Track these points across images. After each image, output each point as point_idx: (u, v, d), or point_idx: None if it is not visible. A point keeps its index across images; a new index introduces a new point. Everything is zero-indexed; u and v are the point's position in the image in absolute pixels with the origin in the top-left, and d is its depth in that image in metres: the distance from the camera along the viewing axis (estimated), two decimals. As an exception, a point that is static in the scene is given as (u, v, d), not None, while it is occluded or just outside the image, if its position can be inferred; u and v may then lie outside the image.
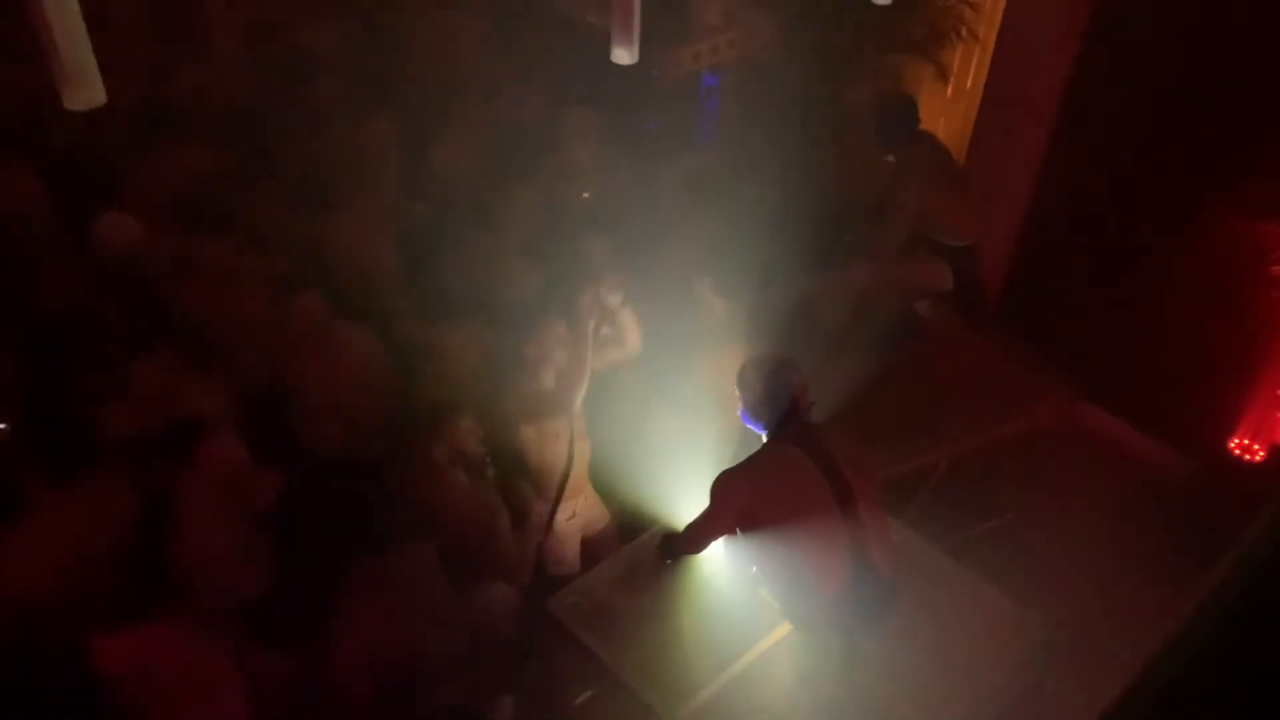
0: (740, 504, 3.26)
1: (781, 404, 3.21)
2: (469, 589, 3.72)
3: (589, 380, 3.97)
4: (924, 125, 4.98)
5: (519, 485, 3.99)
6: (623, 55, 2.69)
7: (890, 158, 4.72)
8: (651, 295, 4.19)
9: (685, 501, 3.74)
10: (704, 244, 4.47)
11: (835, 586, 3.23)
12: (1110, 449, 5.50)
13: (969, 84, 6.17)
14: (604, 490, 4.24)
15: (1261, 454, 4.79)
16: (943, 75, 5.89)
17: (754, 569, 3.48)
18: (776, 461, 3.23)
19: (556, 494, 3.97)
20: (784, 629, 3.64)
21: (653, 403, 4.27)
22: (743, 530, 3.31)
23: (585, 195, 4.88)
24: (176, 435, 3.31)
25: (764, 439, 3.32)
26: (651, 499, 3.96)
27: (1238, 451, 4.85)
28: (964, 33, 5.70)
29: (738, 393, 3.30)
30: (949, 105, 6.11)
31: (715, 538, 3.45)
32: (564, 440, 3.90)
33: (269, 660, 3.19)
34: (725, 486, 3.26)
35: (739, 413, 3.33)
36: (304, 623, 3.24)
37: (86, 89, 1.68)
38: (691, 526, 3.45)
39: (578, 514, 4.10)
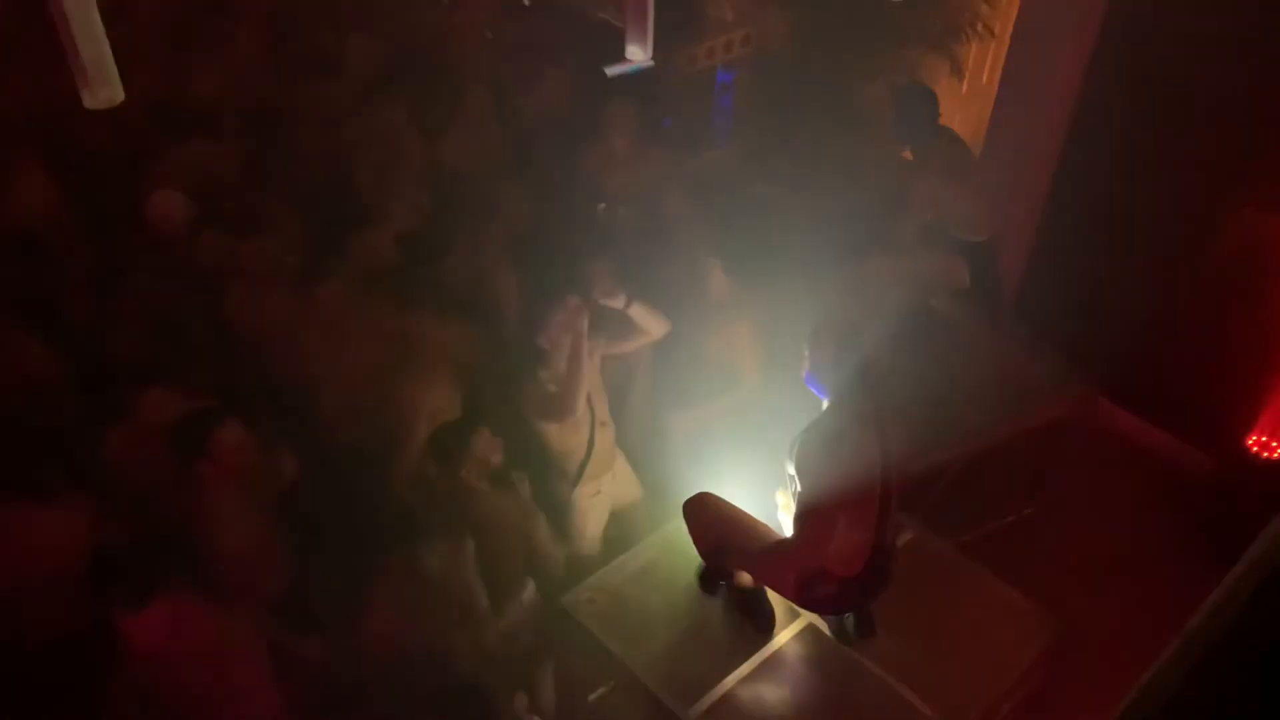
0: (826, 474, 3.11)
1: (849, 370, 3.12)
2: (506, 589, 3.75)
3: (607, 367, 4.01)
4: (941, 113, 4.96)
5: (554, 485, 4.04)
6: (637, 52, 2.69)
7: (907, 152, 4.69)
8: (663, 284, 4.19)
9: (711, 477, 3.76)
10: (716, 237, 4.47)
11: (849, 570, 3.23)
12: (1127, 445, 5.47)
13: (984, 79, 6.15)
14: (637, 464, 4.29)
15: (1280, 451, 4.76)
16: (958, 71, 5.87)
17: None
18: (860, 459, 3.11)
19: (576, 475, 4.02)
20: (799, 626, 3.64)
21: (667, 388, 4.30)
22: None
23: (602, 206, 4.91)
24: (190, 427, 3.35)
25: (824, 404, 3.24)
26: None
27: (1256, 449, 4.81)
28: (979, 28, 5.68)
29: (806, 352, 3.20)
30: (965, 101, 6.09)
31: (826, 523, 3.18)
32: (584, 429, 3.95)
33: (294, 639, 3.23)
34: (810, 455, 3.12)
35: (803, 374, 3.23)
36: (332, 607, 3.28)
37: (106, 88, 1.70)
38: (801, 517, 3.21)
39: (603, 490, 4.13)
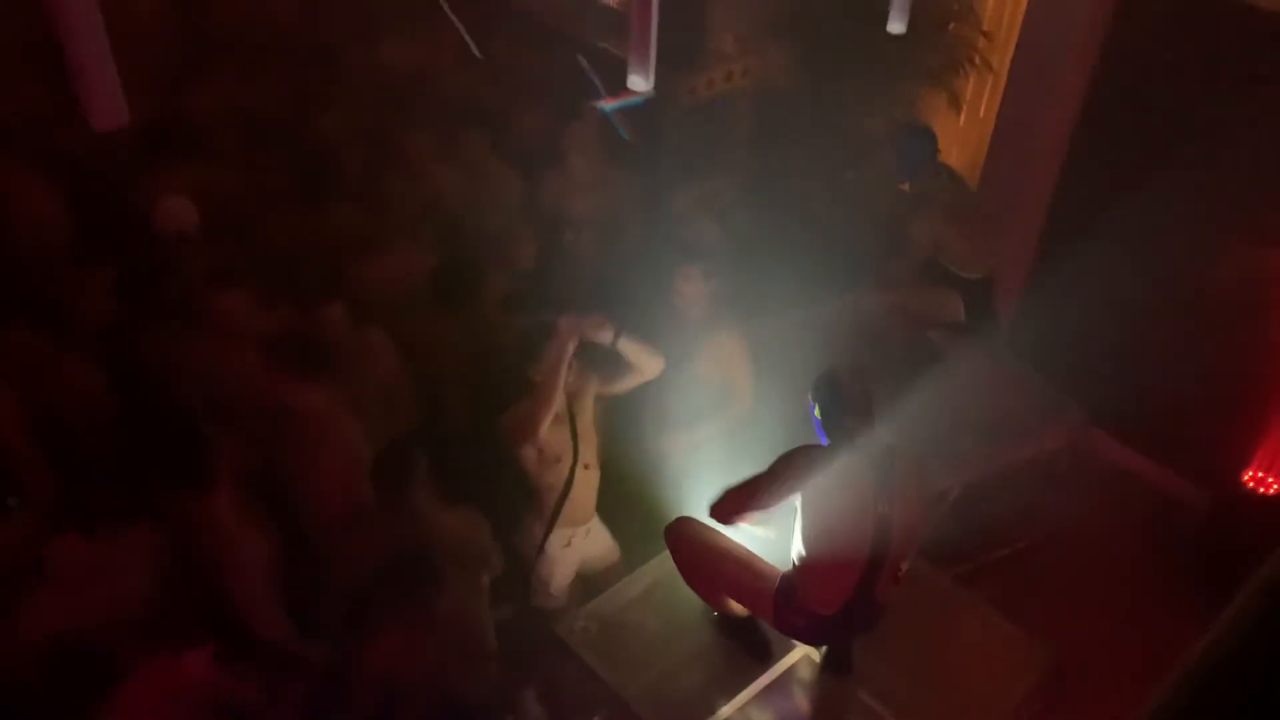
0: (796, 480, 3.14)
1: (846, 413, 3.15)
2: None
3: (601, 404, 3.99)
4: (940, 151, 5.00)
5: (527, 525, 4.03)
6: (639, 82, 2.72)
7: (906, 187, 4.74)
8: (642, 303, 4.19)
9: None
10: (715, 266, 4.47)
11: (830, 607, 3.23)
12: (1123, 478, 5.48)
13: (982, 112, 6.20)
14: (614, 525, 4.23)
15: (1277, 487, 4.76)
16: (956, 104, 5.92)
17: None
18: (845, 472, 3.11)
19: (551, 517, 3.94)
20: (793, 657, 3.63)
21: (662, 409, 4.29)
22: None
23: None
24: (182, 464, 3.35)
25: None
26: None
27: (1251, 484, 4.82)
28: (978, 61, 5.73)
29: (810, 396, 3.23)
30: (962, 133, 6.13)
31: (761, 500, 3.20)
32: (565, 465, 3.88)
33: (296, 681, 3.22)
34: (795, 459, 3.15)
35: (811, 414, 3.24)
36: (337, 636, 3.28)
37: (112, 110, 1.72)
38: (742, 485, 3.25)
39: (574, 544, 4.07)
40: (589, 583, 4.20)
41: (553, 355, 3.71)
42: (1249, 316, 4.67)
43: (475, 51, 5.63)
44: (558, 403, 3.74)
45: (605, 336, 3.84)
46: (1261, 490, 4.80)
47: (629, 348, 3.90)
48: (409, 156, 4.94)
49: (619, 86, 3.07)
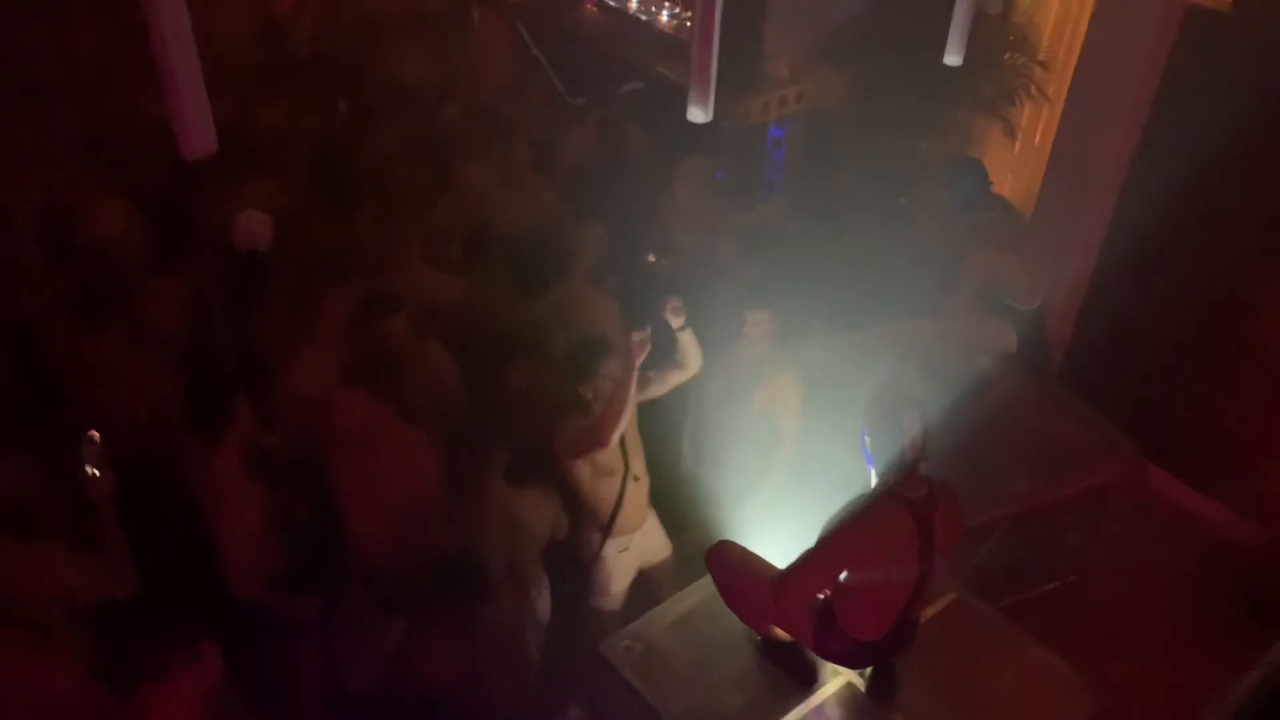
0: (845, 566, 3.22)
1: (894, 445, 3.15)
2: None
3: (639, 410, 4.03)
4: (993, 184, 4.99)
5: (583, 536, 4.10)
6: (698, 114, 2.77)
7: (961, 217, 4.73)
8: (709, 328, 4.22)
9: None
10: (764, 287, 4.49)
11: (872, 635, 3.30)
12: (1174, 512, 5.40)
13: (1037, 140, 6.18)
14: (669, 522, 4.28)
15: (1332, 527, 4.68)
16: (1010, 132, 5.91)
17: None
18: (886, 533, 3.18)
19: (607, 525, 4.01)
20: (836, 683, 3.63)
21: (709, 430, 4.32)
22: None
23: (651, 259, 4.99)
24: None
25: (873, 475, 3.27)
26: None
27: (1307, 522, 4.75)
28: (1034, 91, 5.72)
29: (862, 423, 3.25)
30: (1016, 161, 6.12)
31: (821, 581, 3.30)
32: (618, 477, 3.94)
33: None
34: (839, 547, 3.21)
35: (861, 442, 3.28)
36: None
37: (203, 141, 1.81)
38: (794, 571, 3.31)
39: (632, 548, 4.13)
40: (646, 579, 4.26)
41: (625, 367, 3.74)
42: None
43: (565, 97, 5.80)
44: (629, 415, 3.79)
45: (678, 321, 3.92)
46: (1317, 530, 4.72)
47: (688, 339, 3.99)
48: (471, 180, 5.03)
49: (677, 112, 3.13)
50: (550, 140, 5.55)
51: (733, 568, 3.59)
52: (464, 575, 3.40)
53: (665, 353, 4.02)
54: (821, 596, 3.31)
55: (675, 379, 4.10)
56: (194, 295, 4.22)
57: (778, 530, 3.80)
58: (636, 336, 3.72)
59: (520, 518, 3.85)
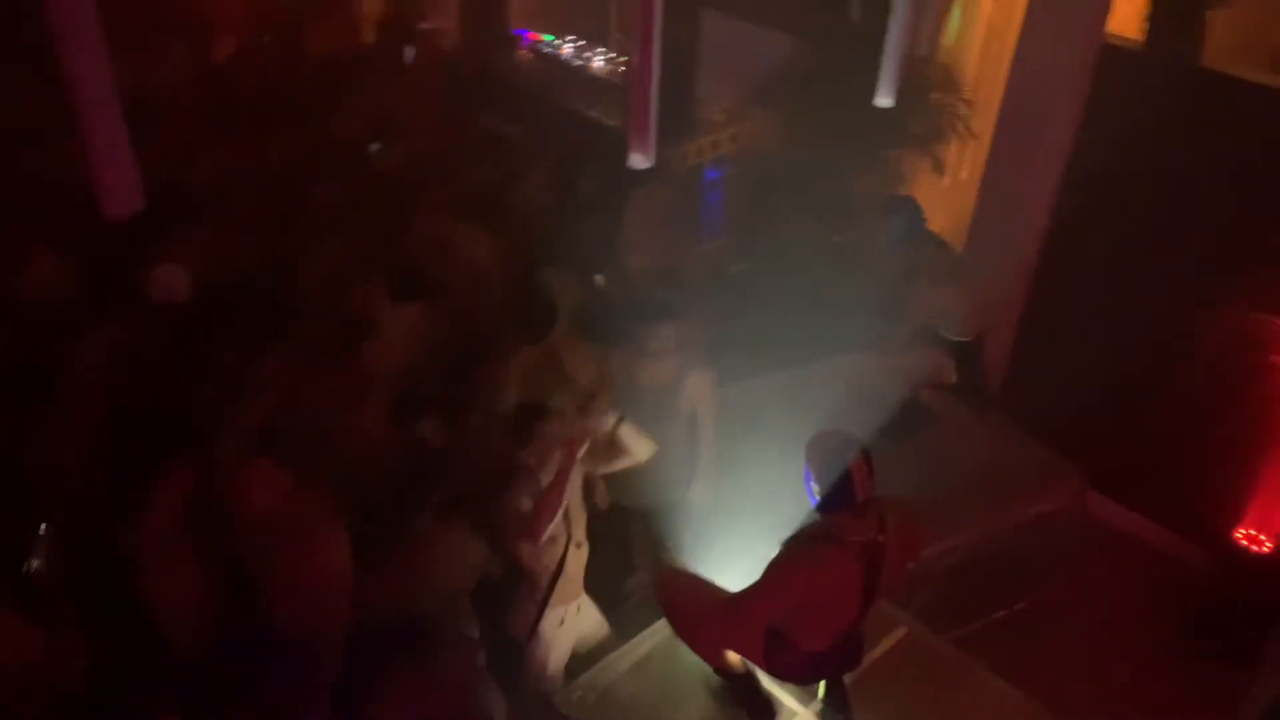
0: (795, 596, 3.27)
1: (836, 485, 3.17)
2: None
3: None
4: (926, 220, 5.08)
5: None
6: (640, 160, 2.79)
7: (896, 253, 4.81)
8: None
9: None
10: (706, 333, 4.52)
11: (820, 646, 3.36)
12: (1118, 537, 5.49)
13: (964, 175, 6.32)
14: (601, 600, 4.20)
15: (1269, 545, 4.78)
16: (939, 167, 6.04)
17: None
18: (830, 579, 3.22)
19: (544, 597, 3.89)
20: (794, 722, 3.61)
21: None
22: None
23: (599, 280, 4.99)
24: None
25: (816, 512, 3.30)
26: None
27: (1244, 542, 4.84)
28: (961, 128, 5.86)
29: (805, 459, 3.27)
30: (946, 195, 6.24)
31: (767, 613, 3.35)
32: (560, 544, 3.83)
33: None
34: (791, 577, 3.24)
35: (805, 481, 3.29)
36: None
37: (127, 200, 1.76)
38: (749, 596, 3.33)
39: (566, 622, 4.01)
40: (580, 660, 4.13)
41: (563, 461, 3.68)
42: (1237, 378, 4.72)
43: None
44: (564, 505, 3.73)
45: (609, 423, 3.91)
46: (1254, 548, 4.82)
47: (627, 434, 3.96)
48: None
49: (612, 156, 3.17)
50: (503, 184, 5.52)
51: (683, 594, 3.63)
52: (403, 638, 3.32)
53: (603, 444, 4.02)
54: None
55: (624, 464, 4.07)
56: (121, 352, 4.11)
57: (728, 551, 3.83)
58: (578, 433, 3.72)
59: (446, 562, 3.78)
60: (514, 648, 4.02)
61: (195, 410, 3.91)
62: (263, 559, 3.40)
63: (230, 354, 4.10)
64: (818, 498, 3.23)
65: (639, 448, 4.02)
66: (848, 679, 3.55)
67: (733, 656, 3.58)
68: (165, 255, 4.33)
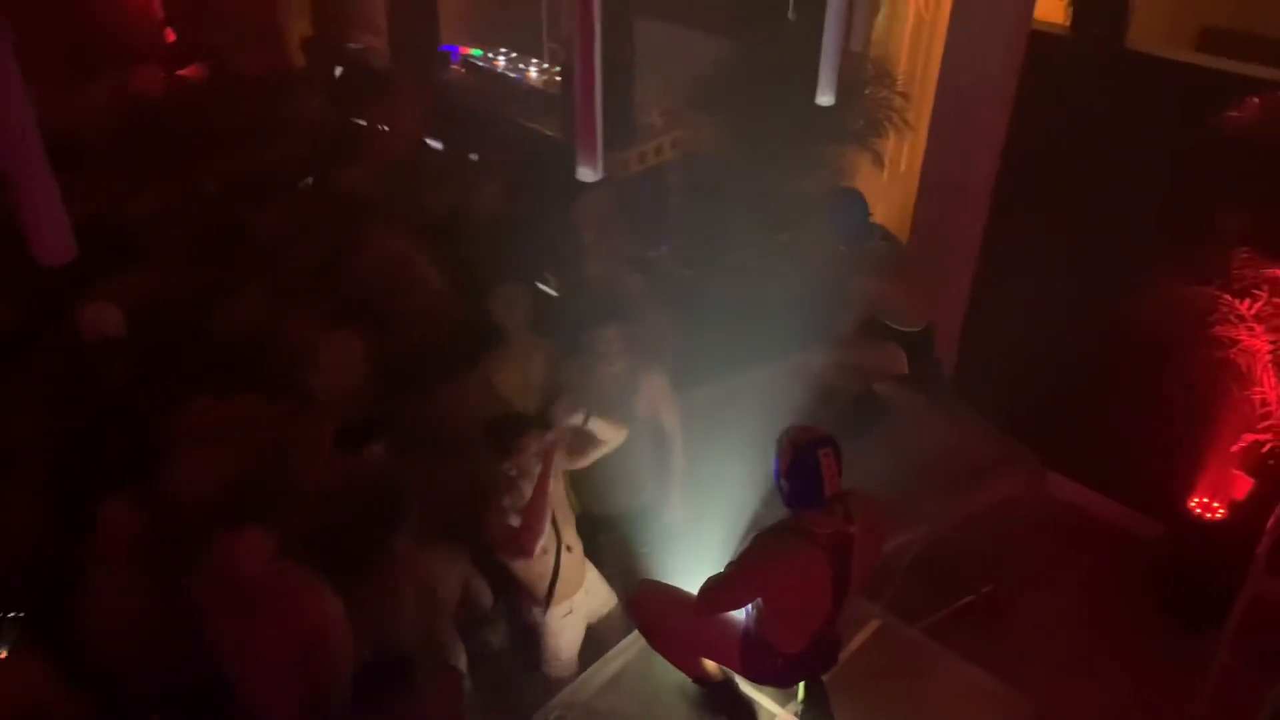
0: (764, 587, 3.27)
1: (806, 480, 3.17)
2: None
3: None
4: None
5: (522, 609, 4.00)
6: (587, 174, 2.76)
7: (842, 248, 4.83)
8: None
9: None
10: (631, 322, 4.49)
11: (796, 647, 3.33)
12: (1077, 515, 5.57)
13: (903, 168, 6.39)
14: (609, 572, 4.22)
15: (1222, 511, 4.88)
16: (879, 162, 6.09)
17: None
18: (800, 575, 3.21)
19: (545, 599, 3.90)
20: (772, 728, 3.60)
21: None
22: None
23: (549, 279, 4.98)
24: None
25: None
26: None
27: (1199, 510, 4.93)
28: (896, 121, 5.91)
29: (774, 455, 3.25)
30: (886, 189, 6.30)
31: (734, 602, 3.36)
32: (551, 554, 3.83)
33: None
34: (761, 566, 3.24)
35: (774, 477, 3.28)
36: None
37: (59, 248, 1.69)
38: (717, 584, 3.33)
39: (575, 610, 4.02)
40: (596, 633, 4.16)
41: (541, 469, 3.66)
42: (1178, 350, 4.81)
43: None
44: (549, 514, 3.70)
45: (577, 419, 3.90)
46: (1208, 516, 4.91)
47: (597, 424, 3.96)
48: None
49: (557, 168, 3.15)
50: (453, 202, 5.46)
51: (656, 606, 3.59)
52: (385, 680, 3.26)
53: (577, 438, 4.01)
54: (743, 617, 3.35)
55: (598, 453, 4.06)
56: (53, 391, 4.02)
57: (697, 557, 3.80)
58: (548, 438, 3.70)
59: (429, 585, 3.72)
60: (526, 640, 4.02)
61: (136, 445, 3.83)
62: (246, 623, 3.29)
63: (167, 388, 4.03)
64: (787, 493, 3.23)
65: (611, 434, 4.01)
66: (825, 677, 3.54)
67: (710, 665, 3.56)
68: (98, 293, 4.26)
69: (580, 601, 4.02)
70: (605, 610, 4.19)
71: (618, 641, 3.95)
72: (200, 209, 5.03)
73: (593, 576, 4.11)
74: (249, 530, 3.09)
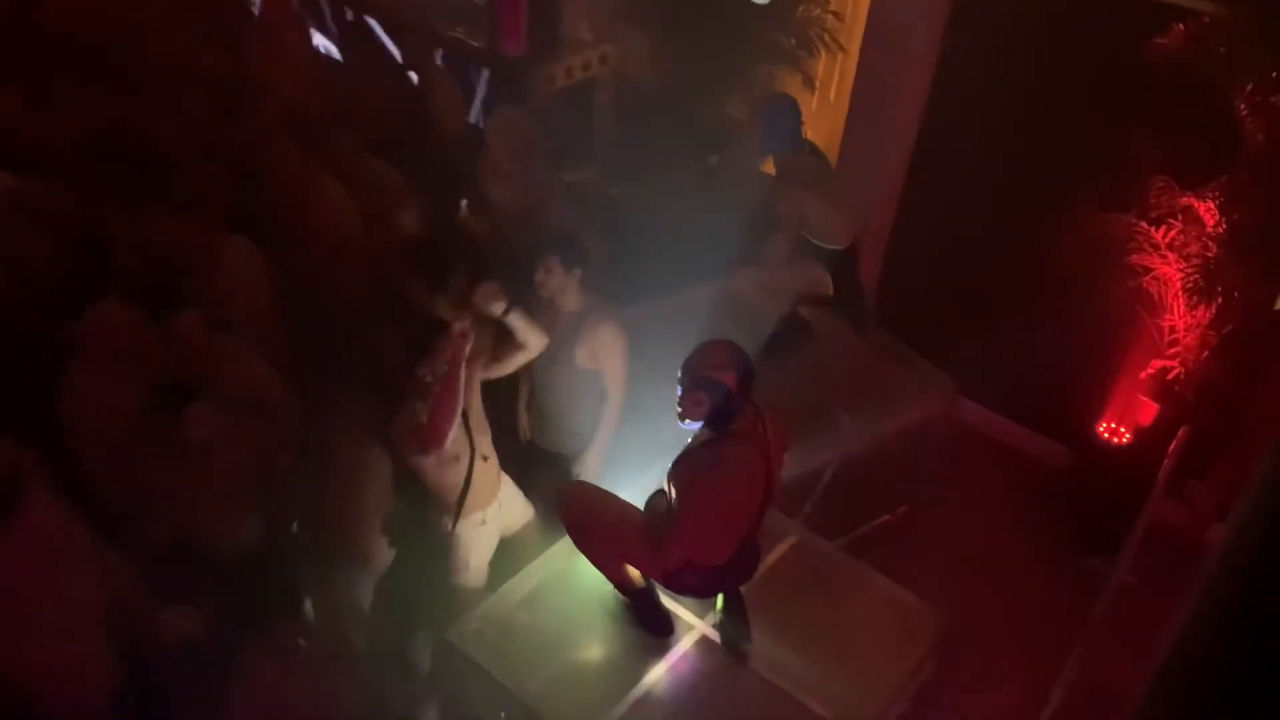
0: (718, 515, 3.28)
1: (719, 399, 3.18)
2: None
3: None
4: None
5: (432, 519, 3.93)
6: (512, 47, 2.60)
7: (769, 165, 4.79)
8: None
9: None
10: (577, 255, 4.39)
11: (720, 559, 3.39)
12: (990, 442, 5.71)
13: (833, 93, 6.34)
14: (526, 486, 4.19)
15: (1128, 437, 5.03)
16: (809, 84, 6.03)
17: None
18: (744, 474, 3.25)
19: (456, 509, 3.84)
20: (692, 638, 3.63)
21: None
22: None
23: (464, 205, 4.81)
24: None
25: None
26: None
27: (1106, 435, 5.08)
28: (828, 41, 5.85)
29: (678, 392, 3.22)
30: (816, 114, 6.25)
31: (697, 550, 3.36)
32: (462, 464, 3.77)
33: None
34: (711, 501, 3.24)
35: (677, 411, 3.25)
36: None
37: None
38: (673, 536, 3.28)
39: (489, 520, 3.97)
40: (511, 545, 4.14)
41: (451, 356, 3.56)
42: (1094, 278, 4.89)
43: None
44: (460, 404, 3.62)
45: (498, 308, 3.77)
46: (1115, 441, 5.06)
47: (518, 321, 3.84)
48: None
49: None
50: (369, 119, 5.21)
51: (589, 509, 3.58)
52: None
53: (495, 343, 3.90)
54: None
55: (518, 360, 3.97)
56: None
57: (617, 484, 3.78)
58: (457, 328, 3.58)
59: (359, 486, 3.66)
60: (435, 552, 3.96)
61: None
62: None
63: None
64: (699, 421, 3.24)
65: (531, 339, 3.90)
66: (743, 589, 3.58)
67: (633, 571, 3.57)
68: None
69: (494, 513, 3.97)
70: (520, 524, 4.16)
71: (534, 558, 3.93)
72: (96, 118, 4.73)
73: (509, 490, 4.07)
74: None
